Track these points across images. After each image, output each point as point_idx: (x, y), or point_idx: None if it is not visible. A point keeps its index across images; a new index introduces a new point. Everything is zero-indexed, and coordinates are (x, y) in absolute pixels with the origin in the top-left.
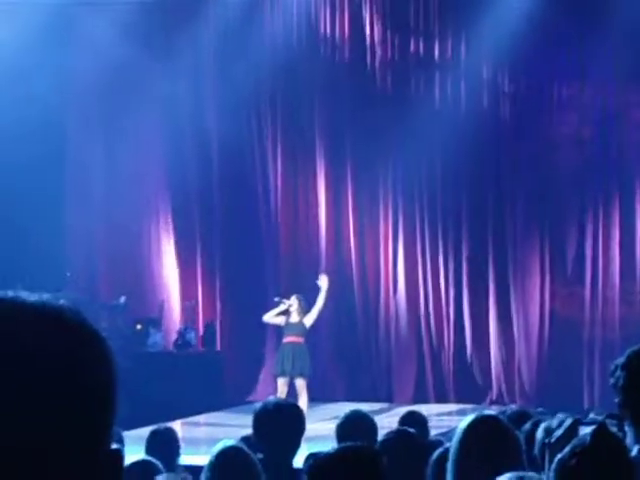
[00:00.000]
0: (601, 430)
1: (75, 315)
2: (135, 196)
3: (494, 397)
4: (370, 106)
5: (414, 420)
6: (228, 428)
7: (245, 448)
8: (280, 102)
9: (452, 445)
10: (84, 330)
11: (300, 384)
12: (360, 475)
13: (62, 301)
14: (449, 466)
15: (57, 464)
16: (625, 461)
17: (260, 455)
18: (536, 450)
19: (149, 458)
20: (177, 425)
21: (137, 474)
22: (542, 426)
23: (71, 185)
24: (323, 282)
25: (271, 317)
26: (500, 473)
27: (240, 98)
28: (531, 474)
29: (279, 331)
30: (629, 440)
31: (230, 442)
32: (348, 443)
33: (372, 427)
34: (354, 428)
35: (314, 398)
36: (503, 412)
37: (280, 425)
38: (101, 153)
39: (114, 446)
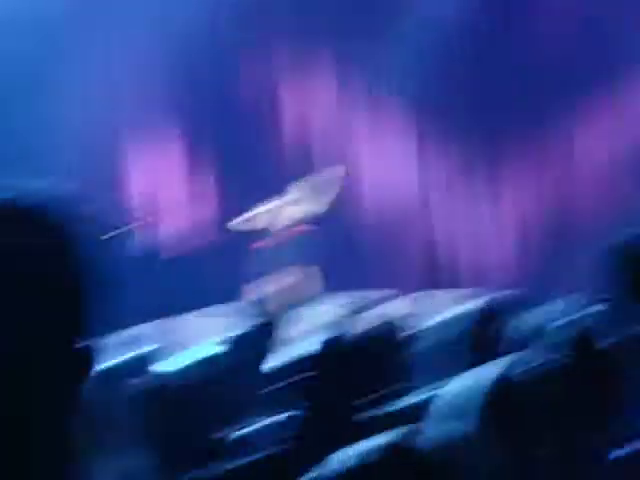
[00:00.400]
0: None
1: (37, 206)
2: None
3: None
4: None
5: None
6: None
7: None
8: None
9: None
10: (45, 221)
11: (308, 272)
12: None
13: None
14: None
15: (25, 358)
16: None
17: None
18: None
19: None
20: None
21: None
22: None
23: None
24: (329, 173)
25: (261, 212)
26: None
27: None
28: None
29: None
30: None
31: None
32: None
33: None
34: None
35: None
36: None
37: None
38: None
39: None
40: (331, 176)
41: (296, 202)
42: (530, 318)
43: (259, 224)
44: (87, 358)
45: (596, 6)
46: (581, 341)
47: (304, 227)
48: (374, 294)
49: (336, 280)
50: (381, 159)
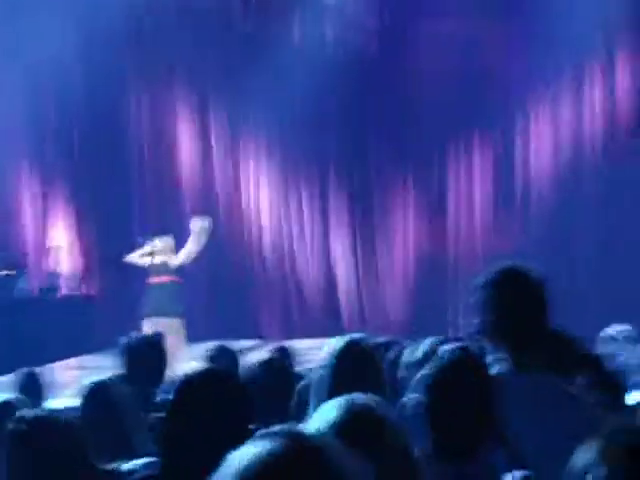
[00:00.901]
0: (461, 346)
1: None
2: None
3: (361, 332)
4: (230, 45)
5: (282, 354)
6: (99, 370)
7: (112, 383)
8: (141, 40)
9: (324, 367)
10: None
11: (168, 324)
12: (224, 393)
13: None
14: (313, 390)
15: None
16: (483, 379)
17: (128, 389)
18: (400, 373)
19: (11, 398)
20: (47, 369)
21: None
22: (406, 350)
23: None
24: (194, 225)
25: (135, 257)
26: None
27: (102, 34)
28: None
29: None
30: (490, 359)
31: (98, 378)
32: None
33: (234, 358)
34: (217, 359)
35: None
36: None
37: (142, 359)
38: None
39: None
40: (198, 226)
41: (160, 252)
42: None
43: (143, 261)
44: None
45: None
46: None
47: (168, 278)
48: (238, 343)
49: (200, 329)
50: (254, 204)
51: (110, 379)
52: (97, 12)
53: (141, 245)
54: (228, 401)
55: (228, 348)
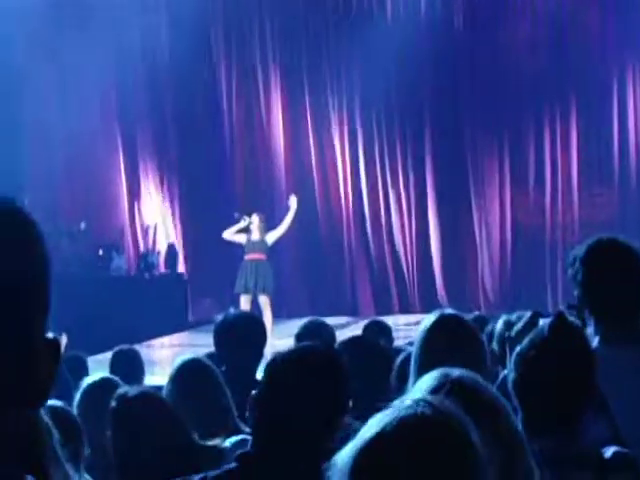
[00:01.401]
0: (559, 319)
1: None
2: (91, 122)
3: (458, 306)
4: (323, 21)
5: (378, 329)
6: (194, 348)
7: (205, 360)
8: (233, 22)
9: (415, 344)
10: (10, 216)
11: (263, 300)
12: (319, 371)
13: None
14: (412, 365)
15: None
16: (585, 349)
17: (223, 368)
18: (494, 343)
19: (110, 376)
20: (142, 347)
21: (99, 391)
22: (501, 320)
23: (28, 116)
24: (292, 202)
25: (231, 234)
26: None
27: (193, 18)
28: (460, 370)
29: (243, 250)
30: (589, 331)
31: (191, 356)
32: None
33: (330, 333)
34: (312, 334)
35: (279, 315)
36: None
37: (240, 336)
38: (55, 82)
39: (51, 336)
40: (295, 203)
41: (256, 229)
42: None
43: (239, 239)
44: (56, 349)
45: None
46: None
47: (264, 255)
48: (335, 319)
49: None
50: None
51: (203, 356)
52: None
53: (237, 220)
54: (320, 378)
55: (323, 322)
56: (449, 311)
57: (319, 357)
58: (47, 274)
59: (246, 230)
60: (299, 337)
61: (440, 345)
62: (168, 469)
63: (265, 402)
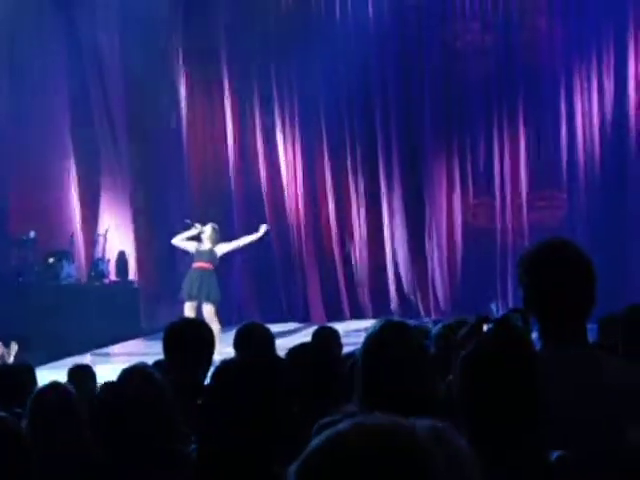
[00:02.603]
0: (502, 323)
1: None
2: (41, 130)
3: (410, 312)
4: (274, 27)
5: (327, 335)
6: (145, 356)
7: (150, 368)
8: (188, 32)
9: (359, 351)
10: None
11: (208, 310)
12: (260, 381)
13: None
14: (358, 372)
15: None
16: (527, 352)
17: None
18: (432, 346)
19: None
20: (94, 356)
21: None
22: (440, 323)
23: None
24: (261, 230)
25: (181, 240)
26: (405, 376)
27: (148, 26)
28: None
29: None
30: (535, 335)
31: (137, 363)
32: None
33: (265, 336)
34: (249, 337)
35: (229, 322)
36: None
37: (187, 342)
38: (6, 89)
39: None
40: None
41: (207, 238)
42: None
43: (189, 247)
44: None
45: None
46: None
47: (211, 265)
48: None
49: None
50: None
51: (149, 364)
52: None
53: (188, 227)
54: (261, 387)
55: (258, 326)
56: (394, 318)
57: (262, 364)
58: None
59: (197, 238)
60: (235, 344)
61: (384, 352)
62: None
63: (211, 409)
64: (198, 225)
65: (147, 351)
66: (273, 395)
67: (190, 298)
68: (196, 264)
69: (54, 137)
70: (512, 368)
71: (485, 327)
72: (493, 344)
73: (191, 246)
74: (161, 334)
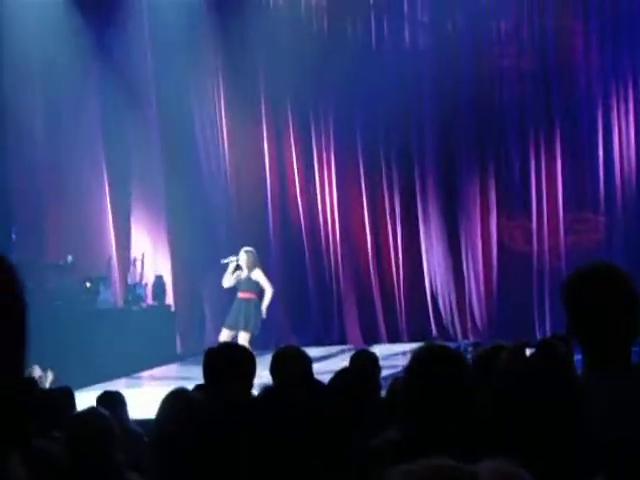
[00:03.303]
0: (545, 346)
1: None
2: (78, 153)
3: (447, 334)
4: (309, 50)
5: (365, 359)
6: (182, 381)
7: (191, 392)
8: (221, 52)
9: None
10: None
11: (243, 337)
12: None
13: None
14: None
15: None
16: (570, 376)
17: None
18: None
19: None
20: (131, 380)
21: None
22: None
23: (14, 147)
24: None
25: (228, 280)
26: (448, 396)
27: (179, 47)
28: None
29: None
30: (578, 358)
31: (179, 388)
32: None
33: (304, 359)
34: (285, 361)
35: (266, 346)
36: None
37: (229, 367)
38: (42, 113)
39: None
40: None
41: (244, 264)
42: None
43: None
44: (30, 388)
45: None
46: None
47: (255, 294)
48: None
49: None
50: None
51: (189, 389)
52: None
53: (226, 265)
54: (302, 413)
55: (294, 350)
56: (435, 342)
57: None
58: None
59: (238, 268)
60: (271, 368)
61: (427, 375)
62: None
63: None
64: (232, 257)
65: (184, 375)
66: (314, 420)
67: (230, 327)
68: (239, 294)
69: (89, 162)
70: (555, 393)
71: (527, 352)
72: (536, 369)
73: (231, 281)
74: (198, 358)
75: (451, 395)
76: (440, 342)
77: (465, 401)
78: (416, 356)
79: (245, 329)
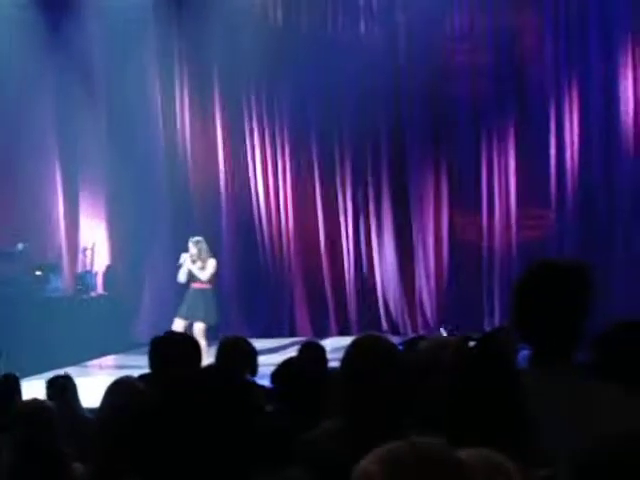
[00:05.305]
0: (487, 339)
1: None
2: (26, 141)
3: (397, 328)
4: (264, 41)
5: (312, 350)
6: (129, 370)
7: (134, 380)
8: (176, 41)
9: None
10: None
11: (199, 328)
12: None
13: None
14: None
15: None
16: (508, 368)
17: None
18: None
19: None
20: (79, 369)
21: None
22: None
23: None
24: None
25: (183, 274)
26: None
27: (133, 36)
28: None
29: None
30: (523, 353)
31: (124, 377)
32: None
33: (249, 350)
34: (230, 351)
35: (216, 338)
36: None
37: (174, 356)
38: None
39: None
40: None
41: (195, 257)
42: None
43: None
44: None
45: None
46: None
47: (207, 284)
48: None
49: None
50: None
51: (133, 377)
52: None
53: (180, 266)
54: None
55: (239, 339)
56: (371, 333)
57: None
58: None
59: (193, 261)
60: (217, 358)
61: (358, 366)
62: None
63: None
64: (183, 254)
65: (133, 364)
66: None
67: (183, 318)
68: (193, 284)
69: (40, 150)
70: (493, 385)
71: (471, 344)
72: (475, 362)
73: (183, 276)
74: (145, 348)
75: (381, 389)
76: (379, 334)
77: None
78: (347, 348)
79: (204, 320)
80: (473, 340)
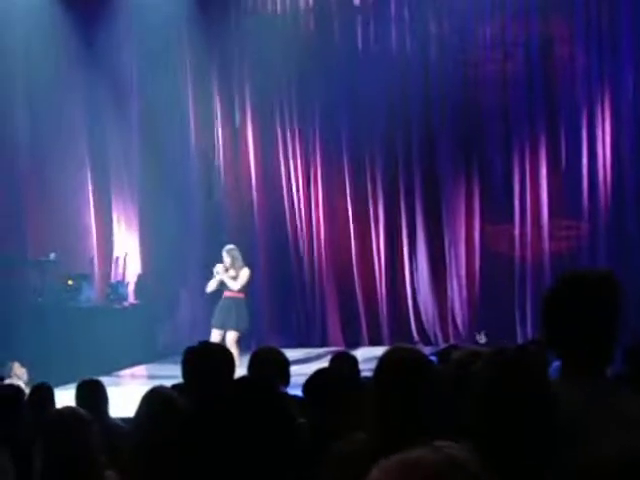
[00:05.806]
0: (520, 352)
1: None
2: (61, 152)
3: (428, 338)
4: (295, 53)
5: (343, 360)
6: (161, 380)
7: (169, 390)
8: (207, 53)
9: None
10: None
11: (230, 337)
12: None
13: None
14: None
15: None
16: (541, 381)
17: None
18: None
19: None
20: (111, 378)
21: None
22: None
23: None
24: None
25: (212, 286)
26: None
27: (164, 47)
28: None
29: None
30: (555, 365)
31: (157, 386)
32: None
33: (281, 360)
34: (262, 361)
35: (248, 347)
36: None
37: (208, 365)
38: (25, 110)
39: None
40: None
41: (228, 267)
42: None
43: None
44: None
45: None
46: None
47: (240, 293)
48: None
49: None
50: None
51: (167, 387)
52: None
53: (214, 274)
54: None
55: (272, 349)
56: (403, 345)
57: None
58: None
59: (226, 270)
60: (249, 368)
61: (390, 378)
62: None
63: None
64: (218, 265)
65: (164, 374)
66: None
67: (218, 327)
68: (226, 293)
69: (72, 160)
70: (524, 396)
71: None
72: (507, 374)
73: (213, 285)
74: (177, 357)
75: (414, 401)
76: (411, 346)
77: (433, 406)
78: (380, 361)
79: (236, 328)
80: (505, 351)
